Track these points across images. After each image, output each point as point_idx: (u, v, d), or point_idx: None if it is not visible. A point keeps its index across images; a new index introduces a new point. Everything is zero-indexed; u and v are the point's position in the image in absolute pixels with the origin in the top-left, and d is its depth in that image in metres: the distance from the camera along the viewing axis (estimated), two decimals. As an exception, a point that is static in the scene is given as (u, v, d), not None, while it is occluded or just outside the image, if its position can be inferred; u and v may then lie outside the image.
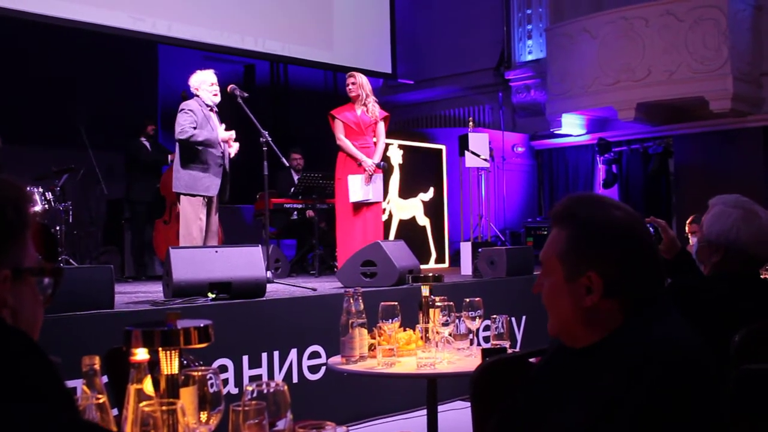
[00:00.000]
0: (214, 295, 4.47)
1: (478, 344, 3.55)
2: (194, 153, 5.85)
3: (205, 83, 5.99)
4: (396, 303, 2.99)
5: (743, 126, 10.31)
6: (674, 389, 1.35)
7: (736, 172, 10.11)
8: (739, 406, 1.78)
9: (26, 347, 1.05)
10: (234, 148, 6.04)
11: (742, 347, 2.09)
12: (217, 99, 6.01)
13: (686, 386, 1.35)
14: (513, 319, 6.04)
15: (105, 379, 1.58)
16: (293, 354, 4.67)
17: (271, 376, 4.50)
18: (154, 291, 5.59)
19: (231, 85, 6.16)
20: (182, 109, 5.88)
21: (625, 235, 1.51)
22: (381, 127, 6.81)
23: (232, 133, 5.98)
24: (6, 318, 1.11)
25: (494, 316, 3.00)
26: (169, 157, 7.96)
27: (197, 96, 5.97)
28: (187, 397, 1.35)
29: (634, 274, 1.50)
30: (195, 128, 5.80)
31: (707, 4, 9.69)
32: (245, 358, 4.39)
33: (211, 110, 5.98)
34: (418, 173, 9.28)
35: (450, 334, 3.00)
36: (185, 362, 1.45)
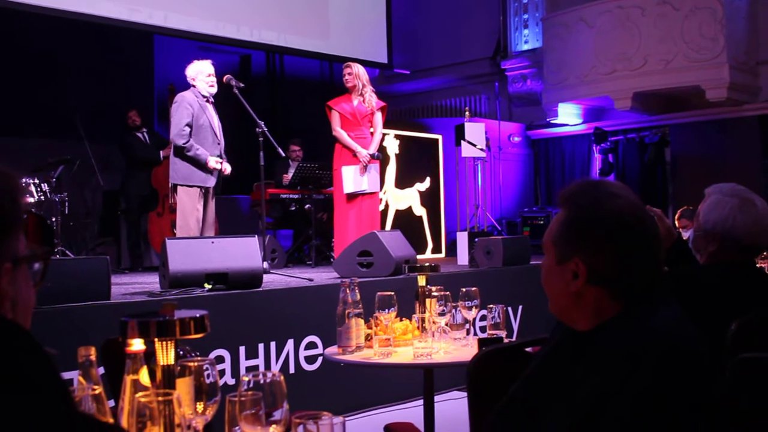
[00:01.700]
0: (210, 286, 4.46)
1: (475, 334, 3.56)
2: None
3: (201, 73, 5.96)
4: (392, 293, 2.99)
5: (739, 115, 10.31)
6: (669, 381, 1.34)
7: (732, 160, 10.12)
8: (735, 394, 1.78)
9: (23, 340, 1.05)
10: (227, 169, 6.00)
11: (738, 336, 2.09)
12: (214, 90, 6.00)
13: (681, 378, 1.35)
14: (509, 308, 6.05)
15: (101, 370, 1.57)
16: (290, 344, 4.67)
17: (267, 366, 4.51)
18: (150, 282, 5.58)
19: (227, 76, 6.14)
20: (179, 103, 5.86)
21: (619, 225, 1.49)
22: (378, 117, 6.78)
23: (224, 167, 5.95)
24: (7, 310, 1.10)
25: (491, 305, 3.00)
26: (161, 153, 7.95)
27: (194, 86, 5.96)
28: (184, 387, 1.35)
29: (622, 265, 1.49)
30: (190, 126, 5.79)
31: (703, -7, 9.68)
32: (242, 349, 4.39)
33: (208, 101, 5.96)
34: (415, 163, 9.28)
35: (446, 324, 3.01)
36: (181, 353, 1.45)
